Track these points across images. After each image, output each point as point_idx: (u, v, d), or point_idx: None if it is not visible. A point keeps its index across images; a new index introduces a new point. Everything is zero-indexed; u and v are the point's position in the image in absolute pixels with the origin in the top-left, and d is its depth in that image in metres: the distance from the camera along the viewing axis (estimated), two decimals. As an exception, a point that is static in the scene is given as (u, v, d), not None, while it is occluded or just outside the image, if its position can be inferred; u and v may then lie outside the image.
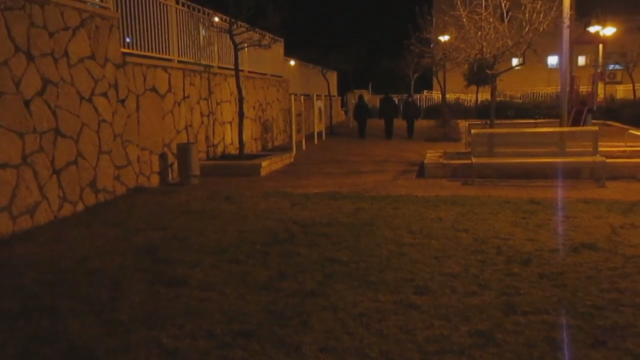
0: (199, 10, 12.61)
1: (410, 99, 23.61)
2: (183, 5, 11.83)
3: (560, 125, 11.06)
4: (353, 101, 30.05)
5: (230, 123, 14.16)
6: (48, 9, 7.42)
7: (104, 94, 8.74)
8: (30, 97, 7.07)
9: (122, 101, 9.26)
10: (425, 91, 39.81)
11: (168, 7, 11.14)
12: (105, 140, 8.71)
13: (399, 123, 22.03)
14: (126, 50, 9.58)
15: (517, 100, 33.07)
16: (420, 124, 22.77)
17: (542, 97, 34.81)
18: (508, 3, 11.79)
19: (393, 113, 21.75)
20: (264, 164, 11.88)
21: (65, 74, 7.79)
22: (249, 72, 15.75)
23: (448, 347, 3.56)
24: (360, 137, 21.73)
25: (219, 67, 13.73)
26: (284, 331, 3.83)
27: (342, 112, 34.86)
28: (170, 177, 10.82)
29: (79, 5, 8.13)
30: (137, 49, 10.00)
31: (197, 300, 4.43)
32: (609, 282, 4.67)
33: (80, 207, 7.98)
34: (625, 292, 4.45)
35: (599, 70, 18.18)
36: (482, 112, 26.17)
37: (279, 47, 19.43)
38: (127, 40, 9.76)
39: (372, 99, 33.33)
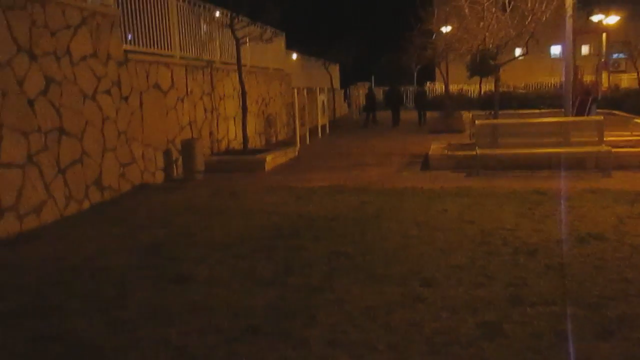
0: (199, 6, 12.57)
1: (421, 89, 25.28)
2: (184, 0, 11.81)
3: (565, 115, 11.01)
4: (356, 94, 30.02)
5: (234, 118, 14.15)
6: (49, 8, 7.41)
7: (107, 92, 8.75)
8: (34, 96, 7.07)
9: (126, 98, 9.26)
10: (428, 82, 39.66)
11: (169, 2, 11.10)
12: (110, 138, 8.72)
13: (406, 114, 22.56)
14: (128, 48, 9.57)
15: (520, 91, 32.89)
16: (424, 115, 23.00)
17: (545, 87, 34.65)
18: (510, -7, 11.74)
19: (399, 103, 22.97)
20: (268, 158, 11.87)
21: (68, 72, 7.79)
22: (251, 66, 15.71)
23: (456, 339, 3.56)
24: (370, 124, 22.55)
25: (221, 62, 13.70)
26: (291, 325, 3.83)
27: (345, 105, 34.78)
28: (175, 174, 10.82)
29: (79, 4, 8.12)
30: (138, 46, 9.99)
31: (204, 296, 4.44)
32: (617, 272, 4.65)
33: (86, 205, 7.99)
34: (633, 281, 4.43)
35: (602, 60, 18.07)
36: (485, 103, 26.09)
37: (281, 41, 19.37)
38: (129, 37, 9.75)
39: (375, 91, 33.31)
